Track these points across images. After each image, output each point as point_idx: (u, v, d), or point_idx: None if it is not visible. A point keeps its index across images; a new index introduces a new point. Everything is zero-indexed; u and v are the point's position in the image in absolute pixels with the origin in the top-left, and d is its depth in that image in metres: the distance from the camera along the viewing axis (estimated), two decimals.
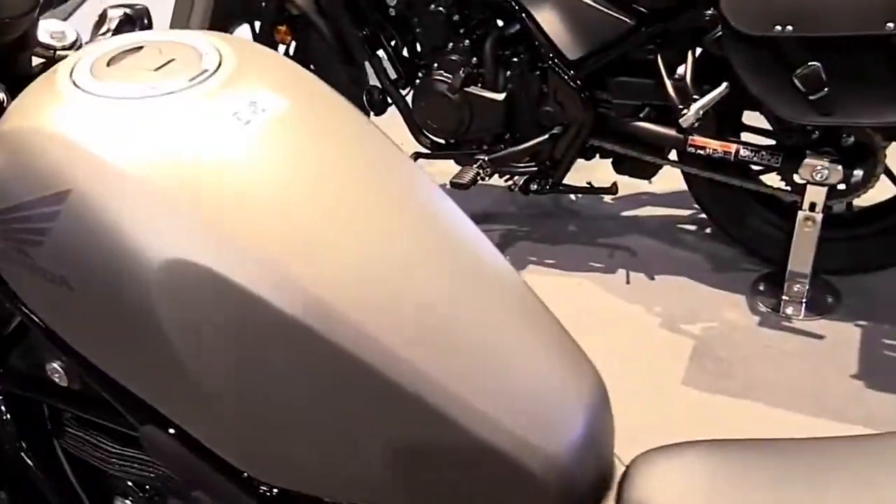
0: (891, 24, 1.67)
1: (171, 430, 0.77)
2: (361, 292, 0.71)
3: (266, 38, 2.59)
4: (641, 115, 2.21)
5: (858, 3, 1.71)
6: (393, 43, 2.45)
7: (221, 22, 2.75)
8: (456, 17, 2.31)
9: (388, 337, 0.69)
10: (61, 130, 0.72)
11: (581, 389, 0.76)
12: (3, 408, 0.96)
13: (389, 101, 2.51)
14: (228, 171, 0.71)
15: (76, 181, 0.69)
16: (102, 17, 0.97)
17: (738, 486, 0.71)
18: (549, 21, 2.18)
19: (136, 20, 0.97)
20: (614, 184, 2.34)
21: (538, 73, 2.26)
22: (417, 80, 2.42)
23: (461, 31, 2.32)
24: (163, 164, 0.70)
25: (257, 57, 0.83)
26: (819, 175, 2.00)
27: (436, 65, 2.36)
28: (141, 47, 0.80)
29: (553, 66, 2.21)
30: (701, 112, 2.01)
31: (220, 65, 0.78)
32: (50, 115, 0.73)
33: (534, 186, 2.37)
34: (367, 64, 2.52)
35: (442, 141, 2.46)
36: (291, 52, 2.65)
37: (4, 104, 0.82)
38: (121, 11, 0.97)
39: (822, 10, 1.73)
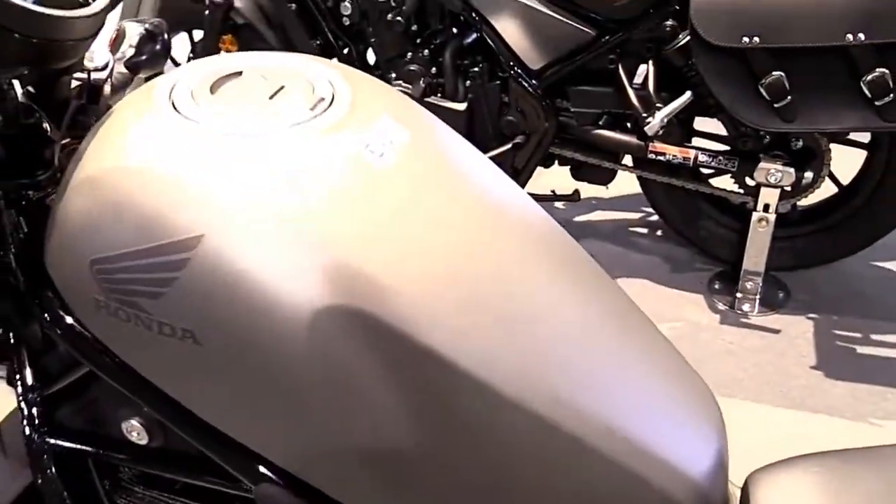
0: (850, 36, 1.77)
1: (286, 484, 0.74)
2: (508, 331, 0.71)
3: (209, 48, 2.51)
4: (601, 123, 2.26)
5: (821, 16, 1.80)
6: (347, 53, 2.42)
7: None
8: (414, 27, 2.30)
9: (550, 379, 0.70)
10: (187, 170, 0.68)
11: (708, 413, 0.78)
12: (50, 464, 0.90)
13: None
14: (371, 209, 0.70)
15: (209, 226, 0.66)
16: (120, 34, 0.92)
17: (856, 497, 0.74)
18: (509, 31, 2.20)
19: (157, 36, 0.94)
20: (576, 191, 2.39)
21: (498, 82, 2.28)
22: None
23: (419, 40, 2.32)
24: (301, 205, 0.68)
25: (364, 82, 0.81)
26: (773, 178, 2.10)
27: (394, 75, 2.35)
28: (240, 72, 0.77)
29: (514, 75, 2.23)
30: (665, 120, 2.08)
31: (334, 93, 0.76)
32: (168, 153, 0.69)
33: None
34: None
35: None
36: None
37: (51, 135, 0.77)
38: (139, 28, 0.93)
39: (788, 23, 1.82)
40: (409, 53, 2.31)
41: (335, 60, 2.43)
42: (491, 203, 0.79)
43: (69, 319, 0.76)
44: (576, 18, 2.15)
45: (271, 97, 0.75)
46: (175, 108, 0.72)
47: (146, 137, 0.71)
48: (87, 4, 0.70)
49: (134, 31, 0.91)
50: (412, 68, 2.31)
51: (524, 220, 0.80)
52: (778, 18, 1.82)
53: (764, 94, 1.88)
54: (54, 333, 0.79)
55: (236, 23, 2.46)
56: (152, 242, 0.67)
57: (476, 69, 2.28)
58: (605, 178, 2.38)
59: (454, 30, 2.29)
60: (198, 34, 2.56)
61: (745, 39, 1.83)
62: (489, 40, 2.23)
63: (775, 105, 1.88)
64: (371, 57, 2.43)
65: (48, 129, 0.77)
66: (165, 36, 0.94)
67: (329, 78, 0.77)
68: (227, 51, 2.55)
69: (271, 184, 0.68)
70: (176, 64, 2.69)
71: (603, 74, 2.19)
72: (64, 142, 0.78)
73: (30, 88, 0.75)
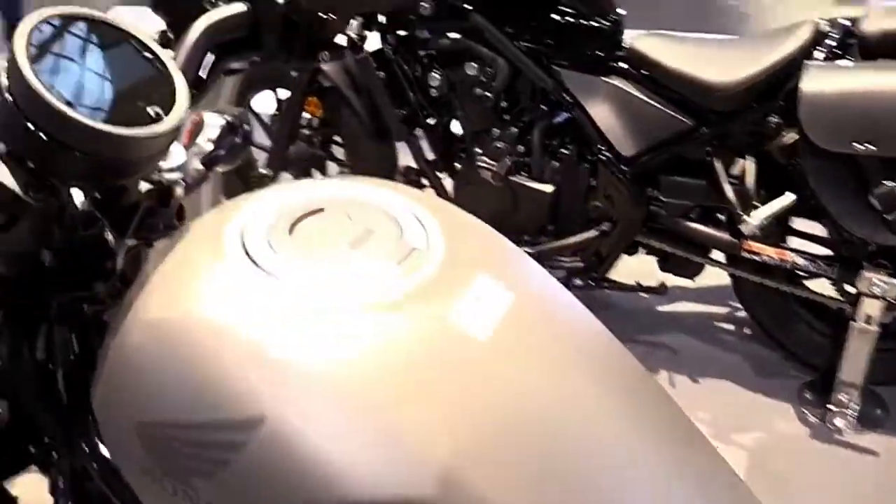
0: None
1: None
2: None
3: (294, 109, 2.49)
4: (692, 216, 2.15)
5: None
6: (433, 123, 2.37)
7: (247, 88, 2.65)
8: (503, 103, 2.24)
9: None
10: (256, 337, 0.60)
11: None
12: None
13: (425, 182, 2.43)
14: (464, 393, 0.61)
15: (272, 408, 0.58)
16: (198, 125, 0.86)
17: None
18: (602, 114, 2.12)
19: (238, 128, 0.87)
20: (663, 284, 2.27)
21: (587, 166, 2.19)
22: (457, 164, 2.34)
23: (507, 117, 2.25)
24: (380, 392, 0.59)
25: (458, 224, 0.73)
26: (877, 289, 1.95)
27: (479, 150, 2.28)
28: (322, 209, 0.70)
29: (604, 160, 2.15)
30: (764, 222, 1.96)
31: (426, 239, 0.68)
32: (237, 312, 0.62)
33: (577, 281, 2.29)
34: (401, 143, 2.43)
35: None
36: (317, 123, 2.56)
37: (112, 245, 0.71)
38: (220, 119, 0.87)
39: None
40: (497, 129, 2.24)
41: (419, 131, 2.38)
42: (599, 369, 0.70)
43: (108, 458, 0.70)
44: (673, 107, 2.06)
45: (355, 245, 0.67)
46: (248, 254, 0.65)
47: (214, 288, 0.64)
48: (159, 119, 0.64)
49: (214, 123, 0.86)
50: (499, 145, 2.24)
51: (634, 388, 0.72)
52: (893, 127, 1.70)
53: (875, 203, 1.75)
54: (91, 468, 0.72)
55: (322, 85, 2.43)
56: (208, 416, 0.60)
57: (565, 150, 2.20)
58: (693, 271, 2.26)
59: (544, 108, 2.22)
60: (283, 92, 2.54)
61: (857, 146, 1.71)
62: (580, 122, 2.15)
63: (886, 216, 1.75)
64: (456, 128, 2.36)
65: (110, 237, 0.70)
66: (247, 126, 0.89)
67: (420, 218, 0.70)
68: (312, 114, 2.53)
69: (347, 366, 0.60)
70: (259, 120, 2.68)
71: (698, 166, 2.09)
72: (130, 242, 0.72)
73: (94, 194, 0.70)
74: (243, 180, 2.69)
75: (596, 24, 2.14)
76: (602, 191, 2.18)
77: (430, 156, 2.40)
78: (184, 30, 0.79)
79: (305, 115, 2.52)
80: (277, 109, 2.62)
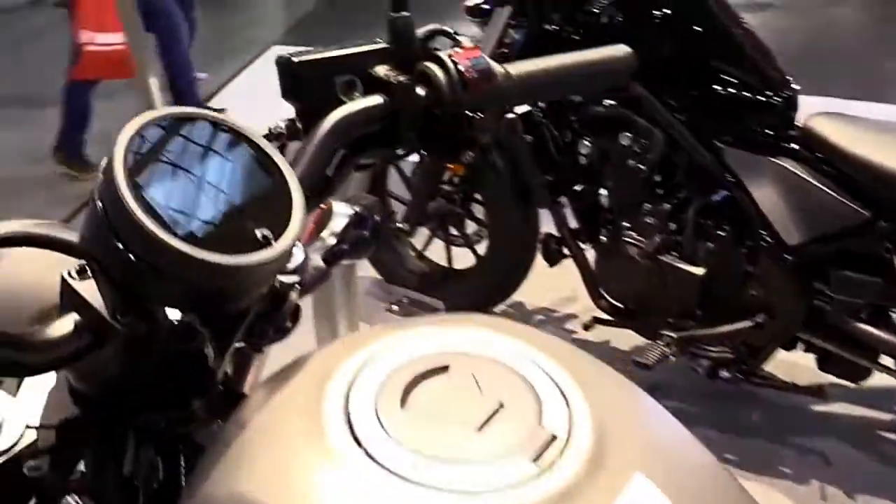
0: None
1: None
2: None
3: (436, 164, 2.43)
4: (863, 315, 1.94)
5: None
6: (579, 191, 2.25)
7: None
8: (657, 177, 2.10)
9: None
10: None
11: None
12: None
13: (566, 252, 2.31)
14: None
15: None
16: (324, 216, 0.77)
17: None
18: (767, 198, 1.95)
19: (367, 220, 0.78)
20: (822, 387, 2.06)
21: (745, 251, 2.02)
22: (602, 237, 2.21)
23: (661, 191, 2.10)
24: None
25: (608, 397, 0.60)
26: None
27: (627, 224, 2.14)
28: (446, 367, 0.56)
29: (765, 246, 1.97)
30: None
31: (568, 422, 0.55)
32: None
33: (723, 373, 2.12)
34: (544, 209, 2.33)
35: (622, 306, 2.23)
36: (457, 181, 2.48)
37: (212, 361, 0.62)
38: (348, 209, 0.78)
39: None
40: (648, 204, 2.10)
41: (564, 198, 2.27)
42: None
43: None
44: (850, 195, 1.87)
45: (482, 427, 0.55)
46: (352, 431, 0.52)
47: (307, 477, 0.52)
48: (267, 244, 0.55)
49: (341, 213, 0.77)
50: (649, 221, 2.10)
51: None
52: None
53: None
54: None
55: None
56: None
57: (721, 232, 2.04)
58: (858, 375, 2.05)
59: (701, 185, 2.06)
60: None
61: None
62: (741, 203, 1.99)
63: None
64: (604, 199, 2.23)
65: (211, 352, 0.62)
66: (377, 218, 0.80)
67: (561, 385, 0.57)
68: (454, 171, 2.46)
69: None
70: (400, 172, 2.64)
71: (873, 261, 1.89)
72: (237, 345, 0.63)
73: None
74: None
75: (764, 100, 1.97)
76: (760, 279, 2.00)
77: (574, 224, 2.28)
78: (315, 120, 0.71)
79: (447, 171, 2.46)
80: (419, 163, 2.56)
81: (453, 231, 2.70)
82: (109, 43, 3.94)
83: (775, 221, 1.94)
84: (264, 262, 0.54)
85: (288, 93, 0.73)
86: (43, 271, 0.65)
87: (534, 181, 2.28)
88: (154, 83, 4.01)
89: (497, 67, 0.75)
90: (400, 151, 0.76)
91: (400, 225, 2.58)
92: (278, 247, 0.55)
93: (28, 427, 0.58)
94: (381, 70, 0.74)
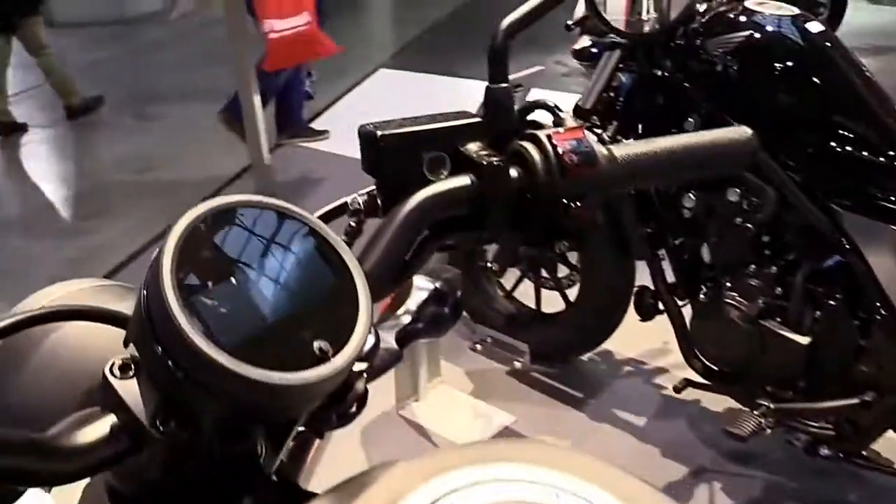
0: None
1: None
2: None
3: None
4: None
5: None
6: (679, 245, 2.15)
7: None
8: (765, 238, 1.98)
9: None
10: None
11: None
12: None
13: (661, 308, 2.21)
14: None
15: None
16: (404, 289, 0.71)
17: None
18: (885, 267, 1.81)
19: (447, 297, 0.72)
20: None
21: (857, 322, 1.88)
22: (701, 295, 2.10)
23: (768, 252, 1.99)
24: None
25: None
26: None
27: (728, 284, 2.03)
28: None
29: (880, 320, 1.83)
30: None
31: None
32: None
33: (824, 451, 1.98)
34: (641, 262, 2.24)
35: (717, 369, 2.11)
36: None
37: (264, 459, 0.56)
38: (428, 284, 0.72)
39: None
40: (753, 265, 1.99)
41: (663, 251, 2.18)
42: None
43: None
44: None
45: None
46: None
47: None
48: (324, 359, 0.48)
49: (420, 288, 0.72)
50: (752, 283, 1.98)
51: None
52: None
53: None
54: None
55: None
56: None
57: (831, 301, 1.90)
58: None
59: (813, 249, 1.93)
60: None
61: None
62: (855, 271, 1.85)
63: None
64: (706, 255, 2.12)
65: (263, 449, 0.56)
66: (458, 294, 0.74)
67: None
68: None
69: None
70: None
71: None
72: (300, 430, 0.58)
73: None
74: (466, 271, 2.60)
75: (885, 160, 1.84)
76: (871, 354, 1.86)
77: (672, 279, 2.18)
78: (397, 197, 0.65)
79: None
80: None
81: (544, 274, 2.64)
82: (292, 27, 4.03)
83: (892, 294, 1.81)
84: (319, 381, 0.48)
85: (370, 166, 0.67)
86: (102, 345, 0.61)
87: (633, 232, 2.19)
88: (258, 101, 4.11)
89: (601, 150, 0.67)
90: (487, 236, 0.69)
91: (490, 264, 2.52)
92: (336, 363, 0.48)
93: None
94: (473, 148, 0.67)
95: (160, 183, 4.68)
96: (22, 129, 5.84)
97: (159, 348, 0.47)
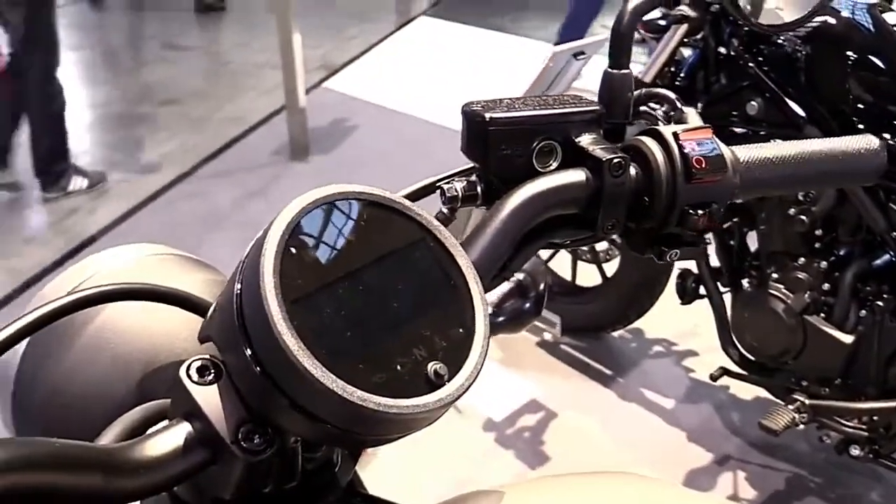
0: None
1: None
2: None
3: None
4: None
5: None
6: (726, 230, 2.10)
7: None
8: (818, 232, 1.93)
9: None
10: None
11: None
12: None
13: (702, 293, 2.17)
14: None
15: None
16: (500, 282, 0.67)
17: None
18: None
19: (529, 291, 0.68)
20: None
21: None
22: (745, 284, 2.06)
23: (818, 246, 1.94)
24: None
25: None
26: None
27: (775, 275, 1.99)
28: None
29: None
30: None
31: None
32: None
33: (856, 451, 1.95)
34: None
35: (753, 360, 2.08)
36: None
37: (339, 473, 0.53)
38: (512, 277, 0.67)
39: None
40: (803, 258, 1.94)
41: (709, 235, 2.13)
42: None
43: None
44: None
45: None
46: None
47: None
48: (439, 384, 0.43)
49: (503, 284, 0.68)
50: (799, 275, 1.94)
51: None
52: None
53: None
54: None
55: None
56: None
57: (879, 302, 1.86)
58: None
59: (866, 248, 1.89)
60: None
61: None
62: None
63: None
64: (752, 242, 2.08)
65: (339, 460, 0.53)
66: (541, 288, 0.69)
67: None
68: None
69: None
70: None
71: None
72: None
73: None
74: None
75: None
76: None
77: (716, 264, 2.14)
78: (499, 188, 0.60)
79: None
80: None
81: (583, 246, 2.60)
82: None
83: None
84: (434, 409, 0.42)
85: (473, 151, 0.60)
86: (162, 320, 0.57)
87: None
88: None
89: (728, 154, 0.61)
90: (595, 237, 0.63)
91: None
92: (453, 386, 0.43)
93: None
94: (587, 140, 0.60)
95: (190, 117, 4.65)
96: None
97: (252, 357, 0.42)
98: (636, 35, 2.16)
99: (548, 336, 2.64)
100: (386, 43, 6.01)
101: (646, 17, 2.11)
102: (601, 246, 2.57)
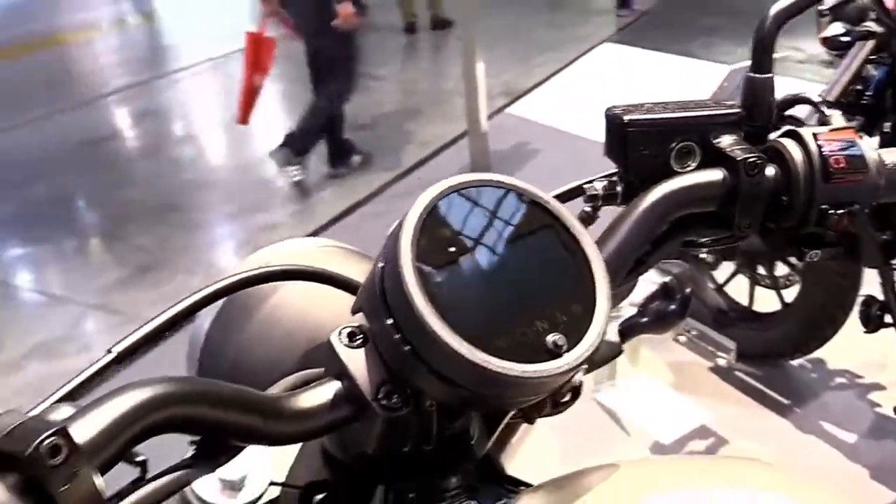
0: None
1: None
2: None
3: None
4: None
5: None
6: None
7: None
8: None
9: None
10: None
11: None
12: None
13: (888, 321, 2.05)
14: None
15: None
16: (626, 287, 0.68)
17: None
18: None
19: (675, 294, 0.68)
20: None
21: None
22: None
23: None
24: None
25: None
26: None
27: None
28: None
29: None
30: None
31: None
32: None
33: None
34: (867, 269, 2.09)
35: None
36: None
37: (475, 439, 0.57)
38: (656, 277, 0.67)
39: None
40: None
41: None
42: None
43: None
44: None
45: None
46: None
47: None
48: (557, 353, 0.47)
49: (648, 281, 0.69)
50: None
51: None
52: None
53: None
54: None
55: None
56: None
57: None
58: None
59: None
60: None
61: None
62: None
63: None
64: None
65: (476, 431, 0.58)
66: (687, 291, 0.71)
67: None
68: None
69: None
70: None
71: None
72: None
73: None
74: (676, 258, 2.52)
75: None
76: None
77: None
78: (639, 187, 0.62)
79: None
80: None
81: (761, 271, 2.52)
82: None
83: None
84: (551, 376, 0.47)
85: (613, 151, 0.64)
86: (325, 305, 0.64)
87: (866, 237, 2.04)
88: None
89: (871, 155, 0.62)
90: (733, 237, 0.64)
91: (704, 255, 2.44)
92: (570, 357, 0.47)
93: (272, 484, 0.54)
94: (726, 140, 0.62)
95: (377, 141, 4.88)
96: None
97: (392, 326, 0.47)
98: (826, 56, 2.09)
99: (722, 361, 2.57)
100: (569, 69, 6.05)
101: (828, 34, 2.04)
102: (781, 271, 2.48)
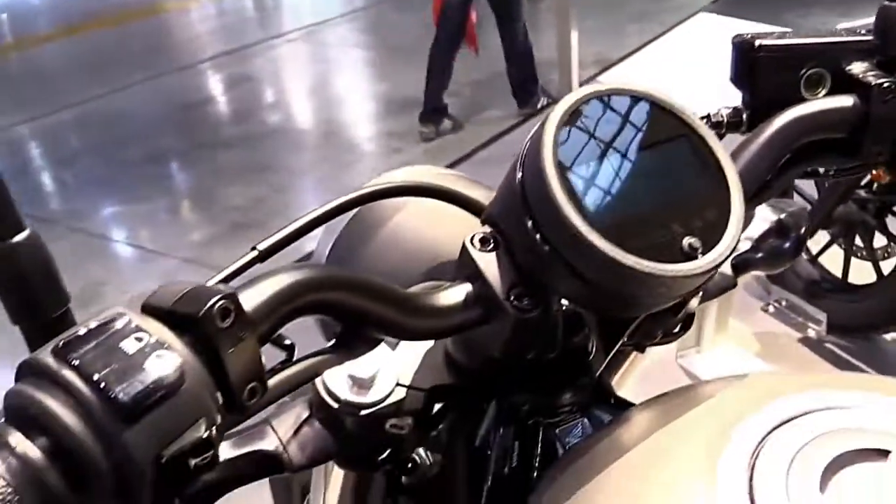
0: None
1: None
2: None
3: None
4: None
5: None
6: None
7: None
8: None
9: None
10: None
11: None
12: None
13: None
14: None
15: None
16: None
17: None
18: None
19: (790, 231, 0.67)
20: None
21: None
22: None
23: None
24: None
25: None
26: None
27: None
28: (887, 452, 0.43)
29: None
30: None
31: None
32: None
33: None
34: None
35: None
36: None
37: (592, 355, 0.58)
38: (771, 215, 0.67)
39: None
40: None
41: None
42: None
43: None
44: None
45: None
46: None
47: None
48: (692, 256, 0.48)
49: (762, 218, 0.68)
50: None
51: None
52: None
53: None
54: None
55: None
56: None
57: None
58: None
59: None
60: None
61: None
62: None
63: None
64: None
65: (593, 349, 0.59)
66: (802, 231, 0.70)
67: None
68: (877, 178, 2.20)
69: None
70: (800, 194, 2.41)
71: None
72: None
73: None
74: None
75: None
76: None
77: None
78: (765, 114, 0.62)
79: (870, 174, 2.21)
80: None
81: (858, 242, 2.44)
82: None
83: None
84: (687, 276, 0.47)
85: (740, 78, 0.64)
86: (445, 225, 0.65)
87: None
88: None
89: None
90: (860, 165, 0.64)
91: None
92: (705, 260, 0.48)
93: (398, 385, 0.55)
94: (859, 67, 0.62)
95: (470, 107, 4.88)
96: None
97: (530, 223, 0.49)
98: None
99: (811, 333, 2.51)
100: (662, 40, 5.93)
101: None
102: (880, 242, 2.40)
